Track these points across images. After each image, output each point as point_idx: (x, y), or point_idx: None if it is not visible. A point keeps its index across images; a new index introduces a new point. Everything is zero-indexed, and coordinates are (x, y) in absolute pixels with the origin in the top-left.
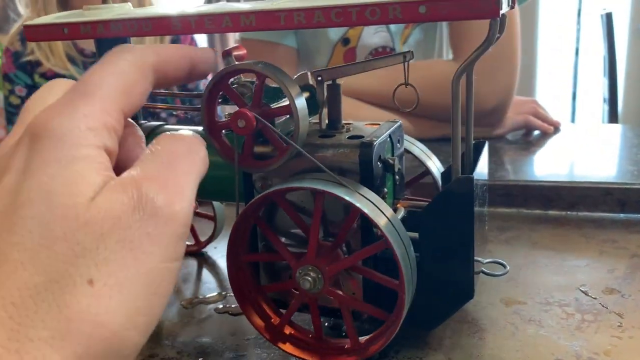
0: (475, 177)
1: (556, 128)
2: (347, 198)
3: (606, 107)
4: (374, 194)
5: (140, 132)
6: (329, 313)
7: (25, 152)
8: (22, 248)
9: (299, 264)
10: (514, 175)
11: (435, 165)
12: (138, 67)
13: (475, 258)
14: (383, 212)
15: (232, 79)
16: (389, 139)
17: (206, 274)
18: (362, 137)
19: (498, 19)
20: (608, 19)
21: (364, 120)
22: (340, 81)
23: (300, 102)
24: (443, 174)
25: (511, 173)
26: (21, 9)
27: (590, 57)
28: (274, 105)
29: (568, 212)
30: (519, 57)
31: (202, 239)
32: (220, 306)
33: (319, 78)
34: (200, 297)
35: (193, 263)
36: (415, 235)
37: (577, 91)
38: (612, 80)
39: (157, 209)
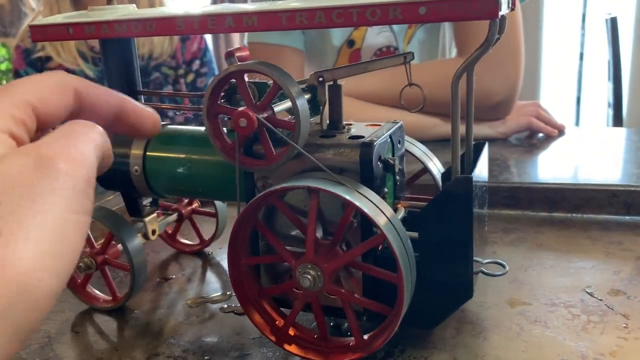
0: (474, 178)
1: (560, 131)
2: (344, 196)
3: (611, 112)
4: (374, 193)
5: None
6: (332, 312)
7: None
8: None
9: (298, 262)
10: (519, 177)
11: (436, 167)
12: (58, 82)
13: (474, 258)
14: (383, 212)
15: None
16: (389, 139)
17: (211, 273)
18: (362, 137)
19: (497, 20)
20: (613, 23)
21: (373, 121)
22: (342, 82)
23: (302, 103)
24: (443, 175)
25: (516, 175)
26: (33, 3)
27: (595, 62)
28: (276, 107)
29: (573, 215)
30: (522, 51)
31: (206, 237)
32: (225, 306)
33: (321, 79)
34: (205, 296)
35: (198, 263)
36: (415, 234)
37: (581, 95)
38: (616, 85)
39: (58, 168)
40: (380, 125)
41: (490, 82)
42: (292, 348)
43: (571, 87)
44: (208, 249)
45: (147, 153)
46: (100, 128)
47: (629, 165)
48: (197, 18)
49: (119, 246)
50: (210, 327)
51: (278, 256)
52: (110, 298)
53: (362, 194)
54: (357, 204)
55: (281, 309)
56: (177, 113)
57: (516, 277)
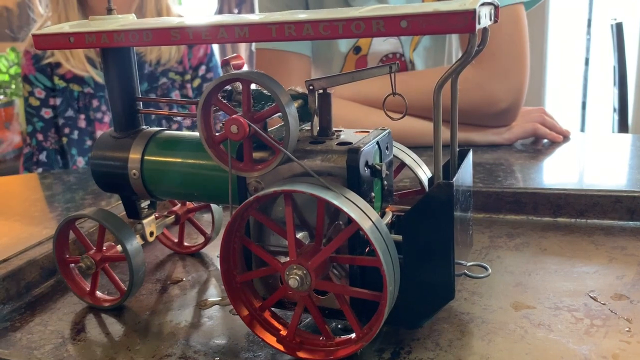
0: (455, 183)
1: (565, 137)
2: (332, 200)
3: (616, 117)
4: (359, 197)
5: None
6: (330, 315)
7: None
8: None
9: (284, 266)
10: (524, 182)
11: (425, 174)
12: None
13: (457, 261)
14: (367, 215)
15: (222, 93)
16: (376, 145)
17: (219, 276)
18: (350, 143)
19: (475, 33)
20: (618, 29)
21: (374, 126)
22: (331, 90)
23: (291, 110)
24: (429, 180)
25: (521, 180)
26: (41, 9)
27: (600, 67)
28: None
29: (577, 220)
30: (528, 58)
31: (201, 240)
32: None
33: (311, 87)
34: (215, 298)
35: (206, 266)
36: (400, 238)
37: (587, 101)
38: (622, 90)
39: None
40: (369, 132)
41: (495, 90)
42: (302, 354)
43: (576, 93)
44: (215, 253)
45: (145, 157)
46: None
47: (634, 171)
48: (191, 29)
49: (119, 247)
50: (221, 328)
51: (270, 268)
52: (117, 297)
53: (348, 198)
54: (345, 208)
55: (282, 317)
56: (175, 119)
57: (520, 281)
